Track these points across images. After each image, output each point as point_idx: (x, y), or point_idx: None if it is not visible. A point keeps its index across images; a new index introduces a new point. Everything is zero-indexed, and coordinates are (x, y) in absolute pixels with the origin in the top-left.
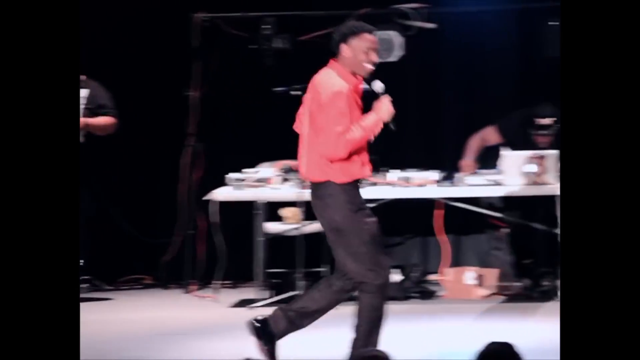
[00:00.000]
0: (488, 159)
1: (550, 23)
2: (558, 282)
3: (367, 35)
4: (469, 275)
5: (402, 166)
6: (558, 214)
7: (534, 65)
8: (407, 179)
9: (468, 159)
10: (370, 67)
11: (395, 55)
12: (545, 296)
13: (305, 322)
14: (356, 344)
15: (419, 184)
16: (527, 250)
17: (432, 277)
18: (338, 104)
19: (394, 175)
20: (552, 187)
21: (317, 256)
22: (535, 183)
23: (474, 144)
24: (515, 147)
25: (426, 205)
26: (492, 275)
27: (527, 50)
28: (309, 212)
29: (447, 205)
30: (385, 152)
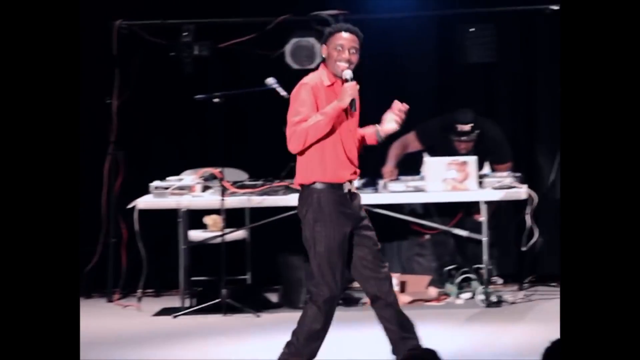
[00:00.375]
0: (410, 166)
1: (470, 30)
2: (480, 288)
3: (339, 34)
4: (393, 281)
5: None
6: (481, 219)
7: (454, 71)
8: None
9: (389, 166)
10: (342, 64)
11: (316, 62)
12: (468, 302)
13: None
14: (290, 350)
15: None
16: (449, 256)
17: (355, 284)
18: (300, 95)
19: None
20: (473, 192)
21: (240, 264)
22: (456, 189)
23: (395, 151)
24: (436, 153)
25: None
26: (414, 281)
27: (446, 56)
28: (231, 219)
29: (369, 212)
30: None
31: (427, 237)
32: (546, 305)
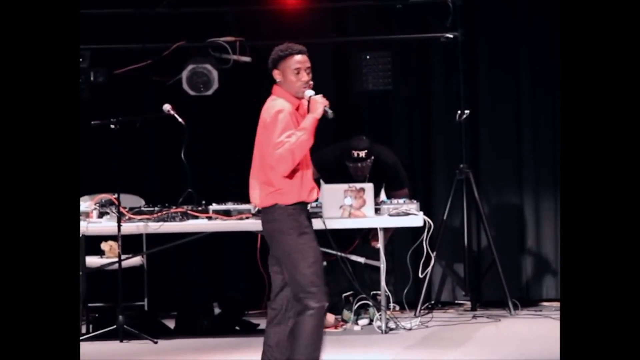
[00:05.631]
0: None
1: (366, 57)
2: (377, 315)
3: (294, 57)
4: None
5: (221, 199)
6: (378, 246)
7: (350, 98)
8: (226, 212)
9: None
10: (303, 86)
11: (213, 88)
12: (365, 328)
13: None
14: None
15: (238, 217)
16: (347, 283)
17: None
18: (281, 120)
19: (213, 208)
20: (370, 219)
21: (137, 290)
22: (352, 215)
23: None
24: (332, 179)
25: (246, 238)
26: None
27: (343, 83)
28: (127, 245)
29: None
30: (204, 185)
31: (324, 263)
32: (442, 331)
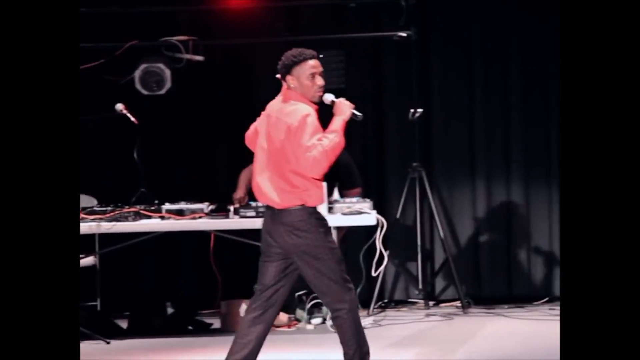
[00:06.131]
0: None
1: (319, 56)
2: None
3: (308, 62)
4: (243, 307)
5: (175, 199)
6: None
7: None
8: (179, 212)
9: (240, 192)
10: (318, 90)
11: (166, 87)
12: (318, 327)
13: None
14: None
15: (191, 216)
16: (300, 282)
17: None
18: (310, 124)
19: (166, 207)
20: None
21: (90, 290)
22: None
23: (245, 176)
24: None
25: (200, 238)
26: None
27: None
28: (80, 245)
29: (221, 237)
30: (158, 185)
31: None
32: (395, 329)
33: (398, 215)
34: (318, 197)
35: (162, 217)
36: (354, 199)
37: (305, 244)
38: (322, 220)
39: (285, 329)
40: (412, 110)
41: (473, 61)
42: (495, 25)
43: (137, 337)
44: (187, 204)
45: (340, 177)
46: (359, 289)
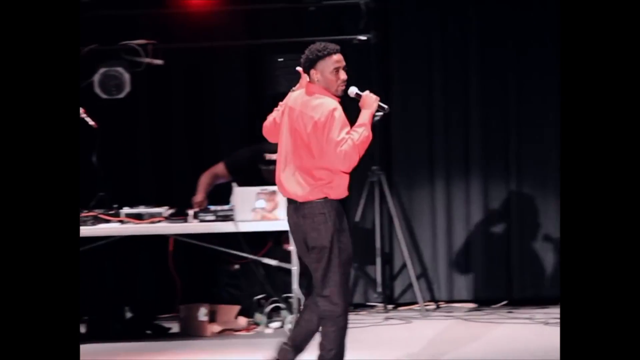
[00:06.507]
0: (220, 195)
1: (279, 59)
2: (289, 317)
3: (332, 57)
4: (202, 311)
5: (134, 203)
6: (290, 248)
7: (263, 101)
8: (138, 216)
9: (199, 195)
10: (342, 85)
11: (125, 91)
12: (277, 331)
13: (305, 344)
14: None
15: (150, 221)
16: (259, 285)
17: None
18: (338, 118)
19: (125, 211)
20: (283, 222)
21: None
22: (265, 218)
23: (204, 180)
24: (245, 182)
25: (159, 242)
26: (224, 311)
27: (256, 86)
28: None
29: (180, 241)
30: (117, 189)
31: (237, 266)
32: (354, 333)
33: (357, 219)
34: (342, 190)
35: (121, 222)
36: None
37: (317, 238)
38: (340, 216)
39: (243, 332)
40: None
41: (432, 64)
42: (454, 28)
43: (96, 341)
44: (146, 208)
45: None
46: None
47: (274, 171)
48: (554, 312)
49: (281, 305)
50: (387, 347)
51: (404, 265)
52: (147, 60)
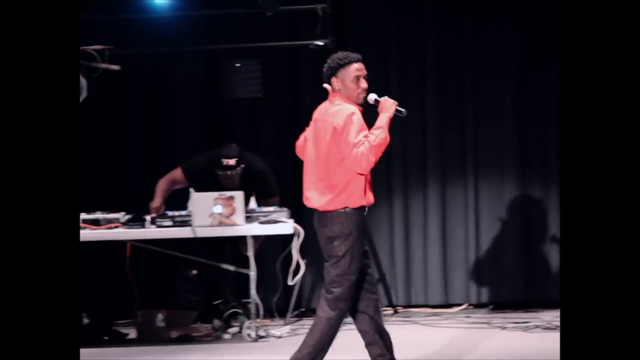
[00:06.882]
0: (177, 201)
1: (235, 65)
2: (247, 322)
3: (353, 65)
4: (160, 317)
5: (91, 208)
6: (248, 253)
7: (220, 106)
8: (95, 221)
9: (156, 201)
10: (362, 93)
11: (82, 96)
12: (235, 337)
13: (388, 338)
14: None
15: (107, 226)
16: (216, 291)
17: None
18: (356, 122)
19: (82, 217)
20: (240, 227)
21: None
22: (222, 224)
23: (162, 186)
24: (202, 188)
25: (116, 247)
26: (182, 316)
27: (213, 91)
28: None
29: (137, 247)
30: None
31: (195, 272)
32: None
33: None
34: (358, 197)
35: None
36: (271, 208)
37: (332, 248)
38: (357, 227)
39: (202, 338)
40: None
41: (389, 69)
42: (411, 32)
43: None
44: (103, 213)
45: (257, 186)
46: (275, 298)
47: (230, 176)
48: (512, 317)
49: (239, 310)
50: (344, 351)
51: None
52: (104, 65)
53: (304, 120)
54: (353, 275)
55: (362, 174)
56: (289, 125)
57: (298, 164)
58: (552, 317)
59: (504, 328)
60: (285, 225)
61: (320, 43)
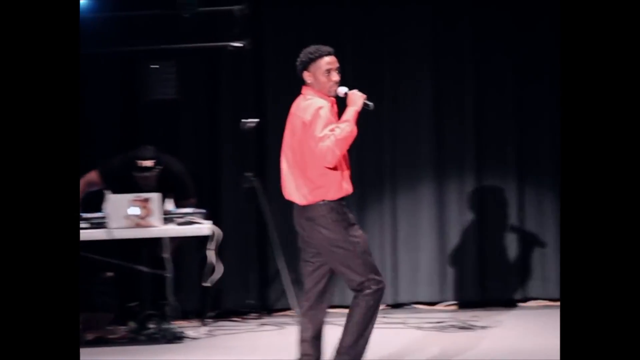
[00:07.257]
0: (92, 203)
1: (151, 66)
2: (163, 324)
3: (324, 59)
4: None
5: None
6: (165, 255)
7: (137, 108)
8: None
9: None
10: (334, 85)
11: None
12: (151, 338)
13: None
14: (345, 343)
15: None
16: (132, 293)
17: None
18: (323, 116)
19: None
20: (157, 229)
21: None
22: (139, 225)
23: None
24: (119, 190)
25: None
26: (98, 318)
27: (129, 93)
28: None
29: None
30: None
31: (110, 274)
32: (228, 339)
33: (233, 225)
34: (336, 189)
35: None
36: (189, 210)
37: (327, 238)
38: (342, 214)
39: (117, 340)
40: (242, 121)
41: None
42: (328, 33)
43: None
44: None
45: (174, 188)
46: (192, 299)
47: (147, 178)
48: (429, 317)
49: (155, 312)
50: (262, 353)
51: (278, 272)
52: None
53: (221, 122)
54: (364, 254)
55: (329, 168)
56: (206, 127)
57: (216, 165)
58: (469, 316)
59: (419, 328)
60: (202, 227)
61: (237, 45)
